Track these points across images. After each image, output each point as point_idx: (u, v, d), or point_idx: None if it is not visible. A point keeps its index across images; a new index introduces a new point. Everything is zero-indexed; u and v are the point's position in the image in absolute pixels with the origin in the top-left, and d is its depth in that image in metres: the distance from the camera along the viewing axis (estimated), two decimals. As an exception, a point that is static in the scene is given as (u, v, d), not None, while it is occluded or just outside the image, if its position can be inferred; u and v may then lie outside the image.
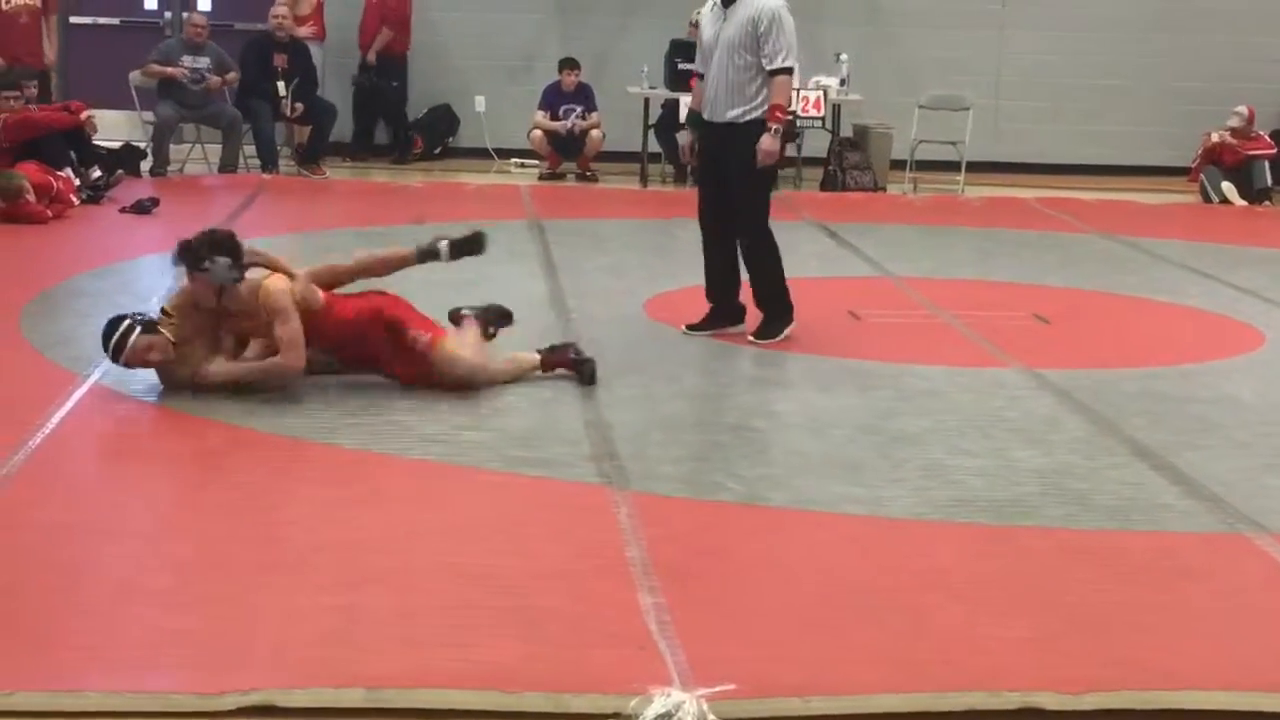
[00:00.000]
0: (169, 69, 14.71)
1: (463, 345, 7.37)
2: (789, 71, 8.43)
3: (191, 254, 7.09)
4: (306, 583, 5.08)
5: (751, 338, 8.63)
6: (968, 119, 15.86)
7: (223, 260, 7.04)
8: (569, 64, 16.00)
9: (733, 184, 8.58)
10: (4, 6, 14.14)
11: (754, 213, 8.62)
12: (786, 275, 8.72)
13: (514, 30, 16.96)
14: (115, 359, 7.08)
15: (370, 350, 7.27)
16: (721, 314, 8.84)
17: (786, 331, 8.68)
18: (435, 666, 4.45)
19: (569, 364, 7.64)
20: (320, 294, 7.18)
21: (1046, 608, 5.11)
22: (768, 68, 8.34)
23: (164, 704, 4.22)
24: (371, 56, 16.13)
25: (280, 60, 15.19)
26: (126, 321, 7.06)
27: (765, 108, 8.40)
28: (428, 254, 7.69)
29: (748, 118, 8.42)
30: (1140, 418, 7.41)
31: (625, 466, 6.38)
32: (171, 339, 7.04)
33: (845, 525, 5.88)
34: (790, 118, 8.67)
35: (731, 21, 8.39)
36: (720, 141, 8.58)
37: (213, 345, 7.18)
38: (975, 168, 16.03)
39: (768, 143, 8.37)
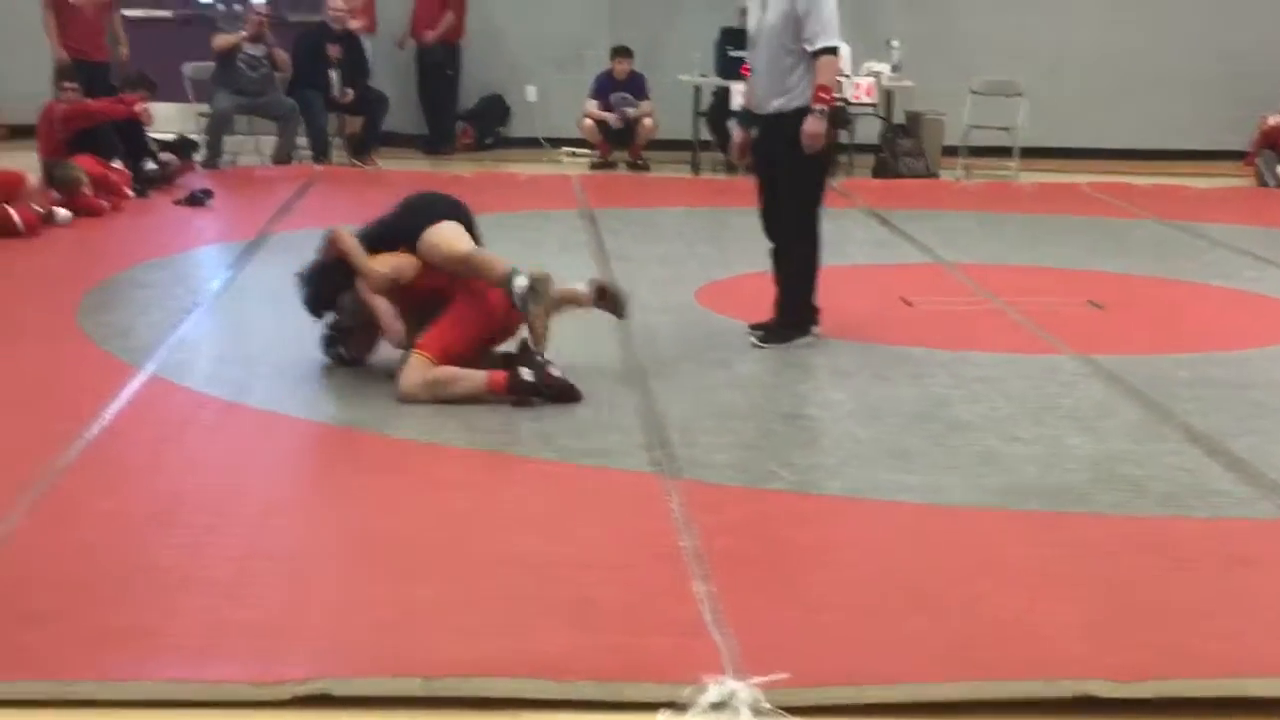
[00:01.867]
0: (232, 38, 14.90)
1: (426, 373, 7.09)
2: (833, 52, 8.08)
3: (318, 310, 7.64)
4: (362, 572, 5.11)
5: (754, 340, 8.29)
6: (1020, 104, 15.78)
7: (346, 300, 7.48)
8: (621, 52, 16.01)
9: (779, 177, 8.30)
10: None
11: (798, 208, 8.25)
12: (841, 262, 8.58)
13: (565, 19, 16.99)
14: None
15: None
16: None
17: (797, 343, 8.25)
18: (490, 656, 4.47)
19: (553, 388, 7.09)
20: (398, 271, 7.37)
21: (1101, 595, 5.09)
22: (809, 50, 8.03)
23: (221, 693, 4.25)
24: (434, 37, 16.17)
25: (333, 51, 15.30)
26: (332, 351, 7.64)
27: (809, 95, 8.04)
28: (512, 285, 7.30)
29: (792, 106, 8.10)
30: (1194, 403, 7.37)
31: (678, 455, 6.39)
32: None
33: (898, 513, 5.87)
34: (837, 100, 8.22)
35: (771, 8, 8.14)
36: (767, 133, 8.32)
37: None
38: (1028, 153, 15.97)
39: (811, 124, 8.00)
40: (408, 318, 7.34)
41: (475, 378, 7.10)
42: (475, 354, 7.30)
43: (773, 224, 8.42)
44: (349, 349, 7.61)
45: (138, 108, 13.22)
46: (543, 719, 4.24)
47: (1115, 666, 4.49)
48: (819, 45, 8.05)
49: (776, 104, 8.19)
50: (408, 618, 4.74)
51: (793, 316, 8.35)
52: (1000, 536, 5.65)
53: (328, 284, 7.52)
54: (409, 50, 16.50)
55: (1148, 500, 6.03)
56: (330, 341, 7.64)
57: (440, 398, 7.04)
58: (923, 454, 6.54)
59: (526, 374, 7.03)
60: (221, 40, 15.07)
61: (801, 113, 8.09)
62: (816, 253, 8.36)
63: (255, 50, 15.03)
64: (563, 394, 7.06)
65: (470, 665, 4.40)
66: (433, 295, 7.33)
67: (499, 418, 6.86)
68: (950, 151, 15.90)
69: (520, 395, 7.02)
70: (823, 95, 8.05)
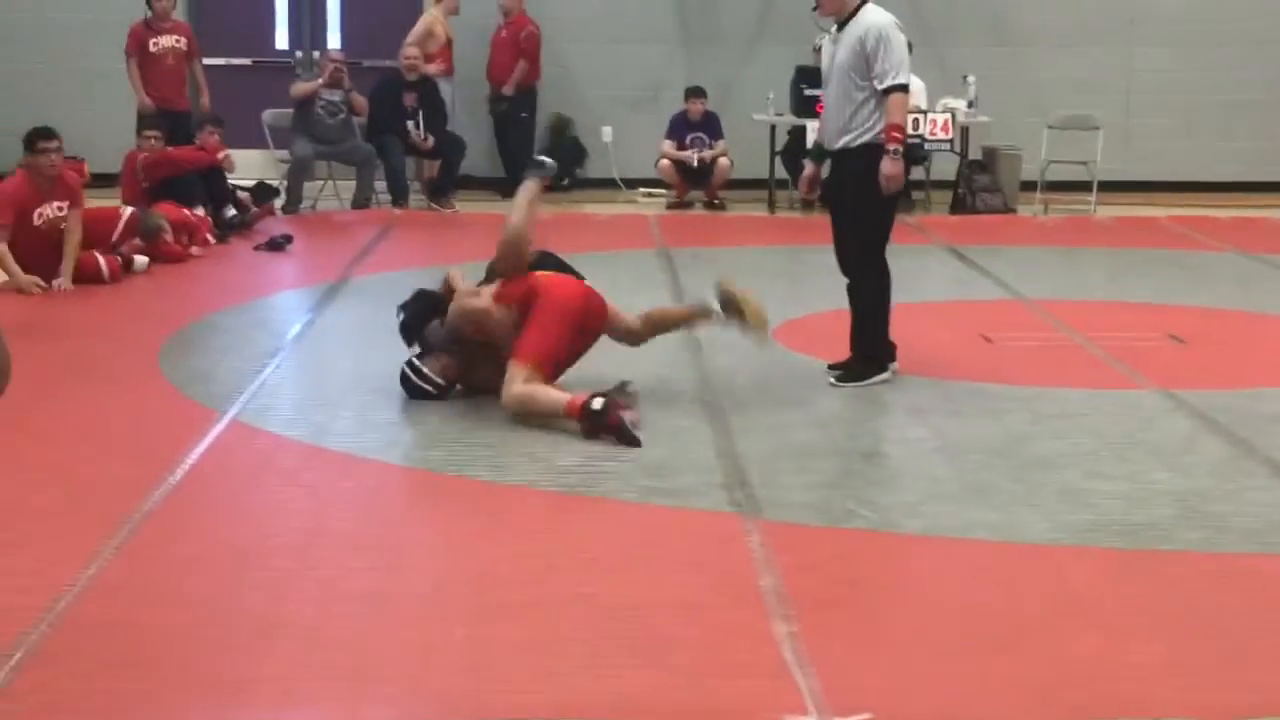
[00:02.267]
0: (310, 85, 15.06)
1: (527, 380, 7.35)
2: (903, 90, 8.05)
3: (409, 338, 7.96)
4: (443, 614, 5.13)
5: (832, 380, 8.28)
6: (1098, 138, 15.70)
7: (433, 326, 7.87)
8: (695, 92, 16.05)
9: (846, 213, 8.32)
10: (151, 49, 14.45)
11: (863, 243, 8.23)
12: (920, 299, 8.55)
13: (640, 60, 17.04)
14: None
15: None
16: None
17: (875, 380, 8.20)
18: (572, 698, 4.48)
19: (613, 429, 7.07)
20: (477, 300, 7.75)
21: (1186, 633, 5.04)
22: (879, 87, 7.99)
23: (305, 736, 4.29)
24: (510, 89, 16.22)
25: (410, 99, 15.40)
26: (413, 381, 7.82)
27: (877, 131, 8.04)
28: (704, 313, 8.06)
29: (859, 142, 8.09)
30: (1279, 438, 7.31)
31: (757, 495, 6.38)
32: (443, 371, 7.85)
33: (980, 551, 5.84)
34: (908, 138, 8.18)
35: (843, 45, 8.13)
36: (835, 169, 8.33)
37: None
38: (1107, 187, 15.87)
39: (888, 166, 7.98)
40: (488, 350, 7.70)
41: (559, 399, 7.23)
42: (571, 353, 7.68)
43: (845, 259, 8.43)
44: (424, 366, 7.78)
45: (220, 155, 13.35)
46: (624, 761, 4.25)
47: (1201, 706, 4.45)
48: (888, 83, 8.02)
49: (844, 140, 8.19)
50: (489, 660, 4.75)
51: (868, 352, 8.32)
52: (1083, 574, 5.60)
53: (420, 313, 7.88)
54: (482, 95, 16.55)
55: (1233, 537, 5.97)
56: (412, 369, 7.80)
57: (530, 413, 7.24)
58: (1003, 491, 6.51)
59: (597, 403, 7.08)
60: (299, 87, 15.24)
61: (867, 149, 8.08)
62: (886, 288, 8.33)
63: (333, 96, 15.16)
64: (621, 437, 7.04)
65: (551, 707, 4.41)
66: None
67: (578, 458, 6.87)
68: (1027, 187, 15.82)
69: (588, 424, 7.07)
70: (895, 135, 8.04)
